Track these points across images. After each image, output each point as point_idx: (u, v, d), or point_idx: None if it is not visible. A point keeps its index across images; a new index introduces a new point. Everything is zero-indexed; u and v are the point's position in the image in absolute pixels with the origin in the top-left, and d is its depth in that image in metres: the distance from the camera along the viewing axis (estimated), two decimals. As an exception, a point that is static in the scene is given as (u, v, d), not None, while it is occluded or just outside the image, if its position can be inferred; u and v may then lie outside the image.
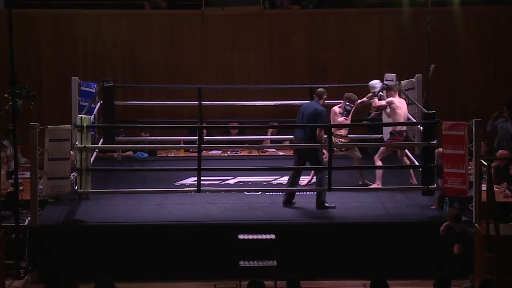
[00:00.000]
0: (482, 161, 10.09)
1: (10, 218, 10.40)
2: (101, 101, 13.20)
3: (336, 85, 13.62)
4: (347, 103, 11.91)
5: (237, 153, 14.13)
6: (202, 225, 10.42)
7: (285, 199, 11.08)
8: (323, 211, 10.83)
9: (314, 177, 11.46)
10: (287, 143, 13.99)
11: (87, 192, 10.52)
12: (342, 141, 11.79)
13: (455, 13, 15.41)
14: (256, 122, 14.82)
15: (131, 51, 15.62)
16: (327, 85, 13.99)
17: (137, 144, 13.55)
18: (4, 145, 12.99)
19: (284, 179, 12.21)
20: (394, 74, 13.06)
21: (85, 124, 10.37)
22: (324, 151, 11.27)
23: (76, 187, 10.59)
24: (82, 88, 12.93)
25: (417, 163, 11.87)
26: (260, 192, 11.58)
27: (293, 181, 11.18)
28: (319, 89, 11.52)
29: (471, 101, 15.65)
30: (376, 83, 12.08)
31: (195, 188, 10.76)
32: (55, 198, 11.11)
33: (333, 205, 10.92)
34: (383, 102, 11.92)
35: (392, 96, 11.87)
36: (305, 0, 16.17)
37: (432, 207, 10.91)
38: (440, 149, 10.84)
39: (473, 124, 10.25)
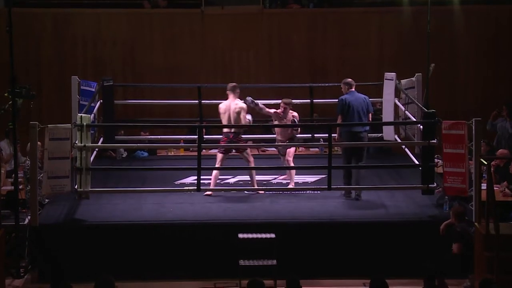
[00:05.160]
0: (482, 160, 10.08)
1: (10, 217, 10.42)
2: (101, 100, 13.20)
3: (336, 84, 13.60)
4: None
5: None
6: (202, 224, 10.41)
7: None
8: (325, 210, 10.85)
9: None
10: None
11: (87, 191, 10.52)
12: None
13: (455, 12, 15.43)
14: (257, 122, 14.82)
15: (131, 50, 15.63)
16: (326, 84, 14.04)
17: (137, 143, 13.55)
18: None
19: (284, 178, 12.22)
20: (394, 73, 13.06)
21: (85, 123, 10.36)
22: None
23: (76, 186, 10.58)
24: (82, 87, 12.94)
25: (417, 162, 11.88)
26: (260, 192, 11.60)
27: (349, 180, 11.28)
28: (348, 80, 11.52)
29: (471, 100, 15.66)
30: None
31: (195, 187, 10.77)
32: (50, 199, 11.06)
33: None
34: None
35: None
36: (305, -1, 16.21)
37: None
38: None
39: (473, 123, 10.24)
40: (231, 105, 11.49)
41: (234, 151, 11.70)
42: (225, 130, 11.50)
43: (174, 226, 10.39)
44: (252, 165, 11.49)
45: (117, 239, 10.28)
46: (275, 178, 12.28)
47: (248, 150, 11.63)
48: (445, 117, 11.17)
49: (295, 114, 11.84)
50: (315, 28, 15.78)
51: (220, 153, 11.58)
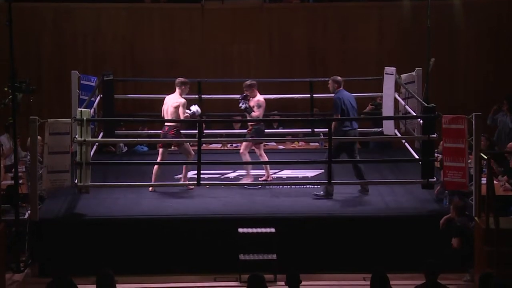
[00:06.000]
0: (481, 154, 10.09)
1: (10, 212, 10.43)
2: (101, 95, 13.19)
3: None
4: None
5: (237, 147, 14.12)
6: (202, 219, 10.43)
7: (324, 193, 11.11)
8: (324, 205, 10.86)
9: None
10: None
11: (87, 186, 10.53)
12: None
13: (455, 6, 15.41)
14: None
15: (131, 45, 15.61)
16: (327, 79, 14.01)
17: (136, 138, 13.54)
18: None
19: (284, 173, 12.23)
20: (394, 68, 13.06)
21: (85, 118, 10.37)
22: None
23: (76, 181, 10.59)
24: (82, 81, 12.92)
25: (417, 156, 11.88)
26: (260, 186, 11.59)
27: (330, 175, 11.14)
28: (338, 78, 11.47)
29: (471, 95, 15.64)
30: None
31: (195, 182, 10.78)
32: (50, 194, 11.06)
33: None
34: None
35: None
36: (305, -6, 16.19)
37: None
38: None
39: (473, 118, 10.25)
40: (172, 100, 11.49)
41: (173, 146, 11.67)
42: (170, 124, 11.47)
43: (174, 221, 10.41)
44: (191, 160, 11.45)
45: (117, 234, 10.29)
46: (275, 173, 12.23)
47: (186, 145, 11.50)
48: (445, 111, 11.17)
49: (259, 99, 11.69)
50: (315, 22, 15.76)
51: (159, 147, 11.60)
